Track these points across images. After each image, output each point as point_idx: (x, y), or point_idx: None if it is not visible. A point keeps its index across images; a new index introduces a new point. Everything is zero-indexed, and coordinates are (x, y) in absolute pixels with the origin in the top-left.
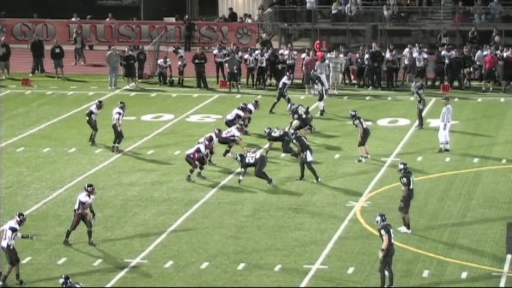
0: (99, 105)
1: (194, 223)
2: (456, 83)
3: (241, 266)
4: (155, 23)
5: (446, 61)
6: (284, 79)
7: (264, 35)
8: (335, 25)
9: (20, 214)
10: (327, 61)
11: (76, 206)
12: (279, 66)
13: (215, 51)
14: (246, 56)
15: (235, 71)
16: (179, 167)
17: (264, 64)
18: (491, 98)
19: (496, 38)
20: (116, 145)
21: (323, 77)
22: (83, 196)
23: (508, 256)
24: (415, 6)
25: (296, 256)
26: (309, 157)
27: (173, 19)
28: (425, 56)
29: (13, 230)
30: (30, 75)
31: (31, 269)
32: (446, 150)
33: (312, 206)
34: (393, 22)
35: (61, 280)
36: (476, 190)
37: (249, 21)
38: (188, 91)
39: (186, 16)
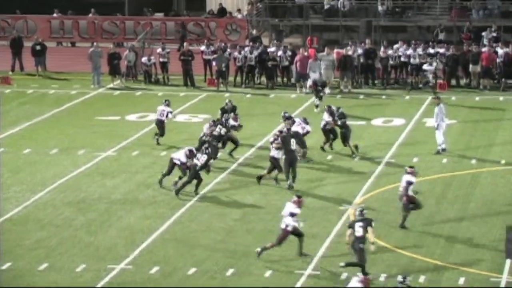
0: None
1: (181, 227)
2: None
3: (230, 271)
4: (140, 19)
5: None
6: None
7: (254, 32)
8: (327, 21)
9: None
10: (319, 61)
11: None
12: (269, 64)
13: (203, 48)
14: (235, 53)
15: (224, 69)
16: (165, 169)
17: (253, 62)
18: (489, 97)
19: (486, 34)
20: (157, 137)
21: (316, 76)
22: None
23: (508, 261)
24: (411, 1)
25: (287, 261)
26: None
27: (161, 15)
28: (420, 52)
29: None
30: (10, 73)
31: (10, 276)
32: (443, 150)
33: (303, 209)
34: (387, 18)
35: None
36: (474, 192)
37: (239, 16)
38: (175, 89)
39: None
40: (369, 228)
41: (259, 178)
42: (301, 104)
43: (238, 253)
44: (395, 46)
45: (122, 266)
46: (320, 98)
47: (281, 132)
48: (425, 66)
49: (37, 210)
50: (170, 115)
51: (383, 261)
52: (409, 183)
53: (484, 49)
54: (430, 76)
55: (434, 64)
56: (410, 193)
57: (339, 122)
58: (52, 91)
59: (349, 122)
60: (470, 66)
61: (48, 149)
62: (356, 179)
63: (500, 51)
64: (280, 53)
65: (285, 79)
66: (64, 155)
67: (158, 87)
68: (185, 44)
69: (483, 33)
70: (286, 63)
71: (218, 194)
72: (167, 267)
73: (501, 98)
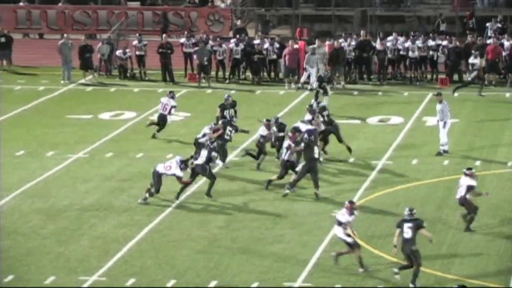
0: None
1: (160, 235)
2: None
3: (213, 284)
4: (114, 8)
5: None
6: (261, 131)
7: (238, 22)
8: (319, 10)
9: None
10: (316, 55)
11: None
12: (255, 58)
13: (183, 40)
14: (216, 47)
15: (206, 63)
16: (142, 172)
17: (239, 56)
18: (495, 93)
19: (491, 25)
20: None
21: (313, 71)
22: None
23: None
24: None
25: (275, 272)
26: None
27: (137, 4)
28: (420, 45)
29: None
30: None
31: None
32: (445, 152)
33: (293, 215)
34: (384, 7)
35: None
36: (479, 197)
37: (222, 6)
38: (152, 85)
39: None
40: (422, 231)
41: (269, 182)
42: (290, 101)
43: (222, 264)
44: (390, 37)
45: (95, 278)
46: (326, 93)
47: (297, 130)
48: (471, 60)
49: (2, 217)
50: (173, 110)
51: (379, 272)
52: (470, 188)
53: (489, 41)
54: (474, 73)
55: (479, 58)
56: (468, 196)
57: (320, 118)
58: (18, 87)
59: (342, 121)
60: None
61: (13, 151)
62: (351, 183)
63: (507, 43)
64: (266, 45)
65: (272, 74)
66: (32, 157)
67: (134, 82)
68: (164, 36)
69: (488, 24)
70: (274, 56)
71: (200, 200)
72: (145, 279)
73: (507, 95)
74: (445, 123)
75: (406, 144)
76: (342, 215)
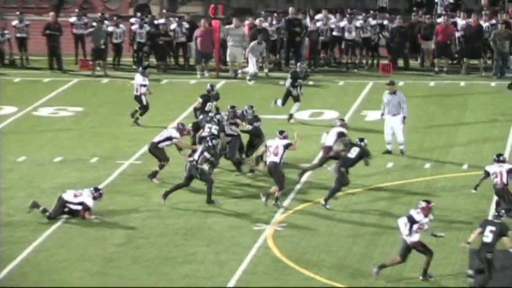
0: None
1: (46, 255)
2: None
3: None
4: None
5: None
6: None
7: None
8: None
9: None
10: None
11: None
12: (160, 41)
13: (73, 20)
14: (111, 28)
15: (103, 47)
16: (24, 179)
17: (143, 39)
18: (448, 81)
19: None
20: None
21: (253, 61)
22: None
23: None
24: None
25: None
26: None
27: None
28: (358, 24)
29: None
30: None
31: None
32: (402, 153)
33: (208, 230)
34: None
35: None
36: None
37: None
38: (36, 74)
39: None
40: (505, 239)
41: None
42: (203, 92)
43: None
44: (319, 15)
45: None
46: (298, 98)
47: (342, 134)
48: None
49: None
50: (143, 89)
51: None
52: (510, 171)
53: (439, 20)
54: None
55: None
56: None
57: (247, 127)
58: None
59: (265, 116)
60: (421, 42)
61: None
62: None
63: (461, 22)
64: (174, 26)
65: (181, 60)
66: None
67: (14, 70)
68: (51, 14)
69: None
70: (183, 39)
71: (94, 212)
72: None
73: (462, 84)
74: (404, 118)
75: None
76: (417, 214)
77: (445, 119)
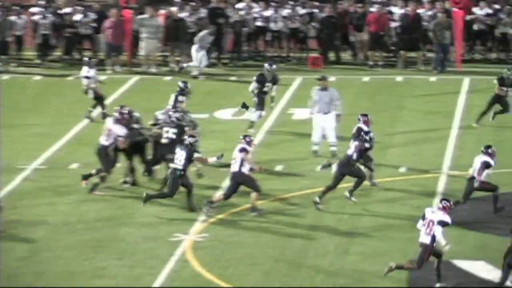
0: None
1: None
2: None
3: None
4: None
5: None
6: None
7: None
8: None
9: None
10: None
11: None
12: (66, 33)
13: None
14: (12, 17)
15: (8, 39)
16: None
17: (48, 31)
18: (383, 76)
19: None
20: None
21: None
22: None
23: None
24: None
25: None
26: None
27: None
28: (284, 14)
29: None
30: None
31: None
32: (334, 156)
33: (120, 241)
34: None
35: None
36: (362, 213)
37: None
38: None
39: None
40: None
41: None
42: (115, 88)
43: None
44: (241, 4)
45: None
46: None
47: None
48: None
49: None
50: (85, 81)
51: None
52: (487, 165)
53: (372, 9)
54: None
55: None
56: (483, 178)
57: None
58: None
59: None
60: (353, 33)
61: None
62: (196, 197)
63: (397, 11)
64: (79, 16)
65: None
66: None
67: None
68: None
69: None
70: (89, 31)
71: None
72: None
73: (398, 78)
74: (337, 116)
75: (266, 144)
76: (443, 215)
77: (379, 117)
